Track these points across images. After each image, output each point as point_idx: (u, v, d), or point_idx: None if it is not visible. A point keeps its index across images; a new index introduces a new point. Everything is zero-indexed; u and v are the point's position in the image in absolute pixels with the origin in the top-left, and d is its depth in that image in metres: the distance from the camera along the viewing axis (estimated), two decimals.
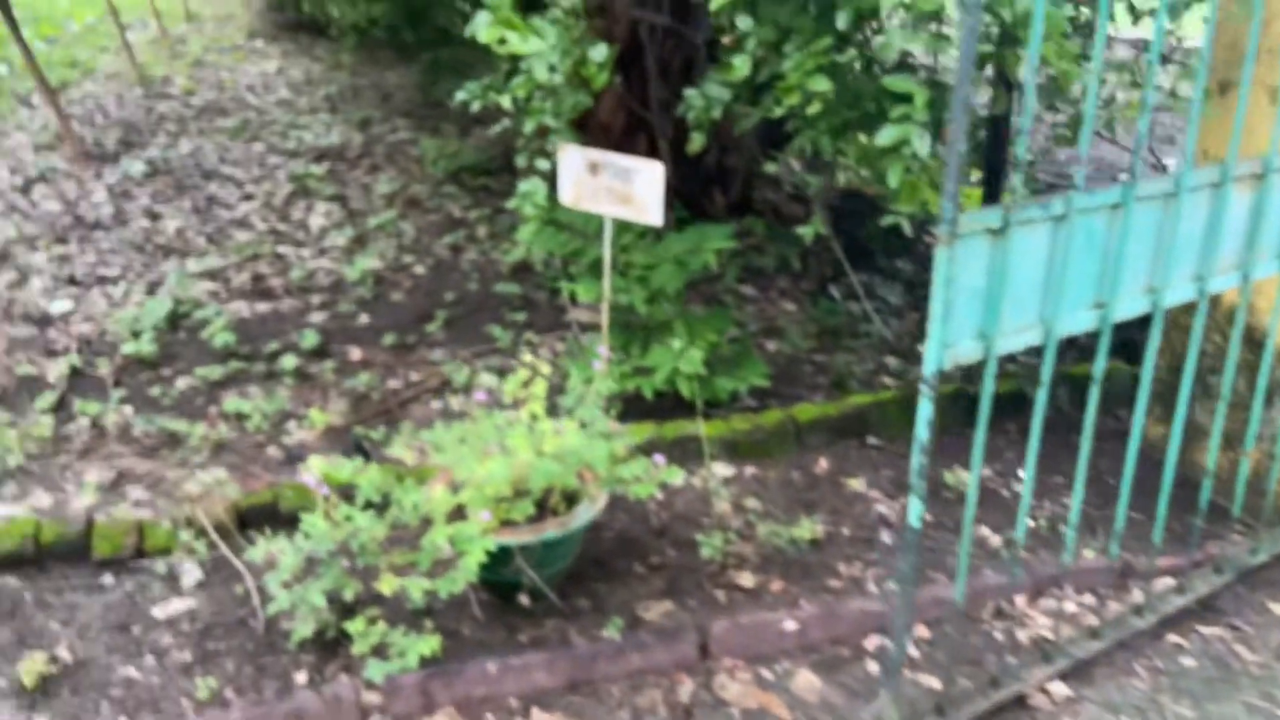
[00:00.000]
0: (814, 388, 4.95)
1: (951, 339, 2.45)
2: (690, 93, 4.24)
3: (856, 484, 4.09)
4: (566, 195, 3.97)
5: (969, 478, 2.79)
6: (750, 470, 4.15)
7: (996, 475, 4.22)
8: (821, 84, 3.44)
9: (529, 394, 3.47)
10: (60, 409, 4.62)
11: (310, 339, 5.30)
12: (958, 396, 4.58)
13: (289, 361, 5.09)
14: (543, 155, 4.41)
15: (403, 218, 6.94)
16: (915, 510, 2.60)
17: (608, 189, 3.81)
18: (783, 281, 6.37)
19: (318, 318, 5.63)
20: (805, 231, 3.94)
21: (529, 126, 4.57)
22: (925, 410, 2.49)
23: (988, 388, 2.65)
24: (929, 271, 2.38)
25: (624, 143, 7.08)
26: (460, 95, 5.09)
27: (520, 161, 5.18)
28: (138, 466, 4.21)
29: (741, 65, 3.57)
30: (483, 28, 3.36)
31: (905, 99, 3.12)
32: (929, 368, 2.44)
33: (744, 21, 3.61)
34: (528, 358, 5.31)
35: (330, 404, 4.87)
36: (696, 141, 4.23)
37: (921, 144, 3.09)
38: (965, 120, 2.22)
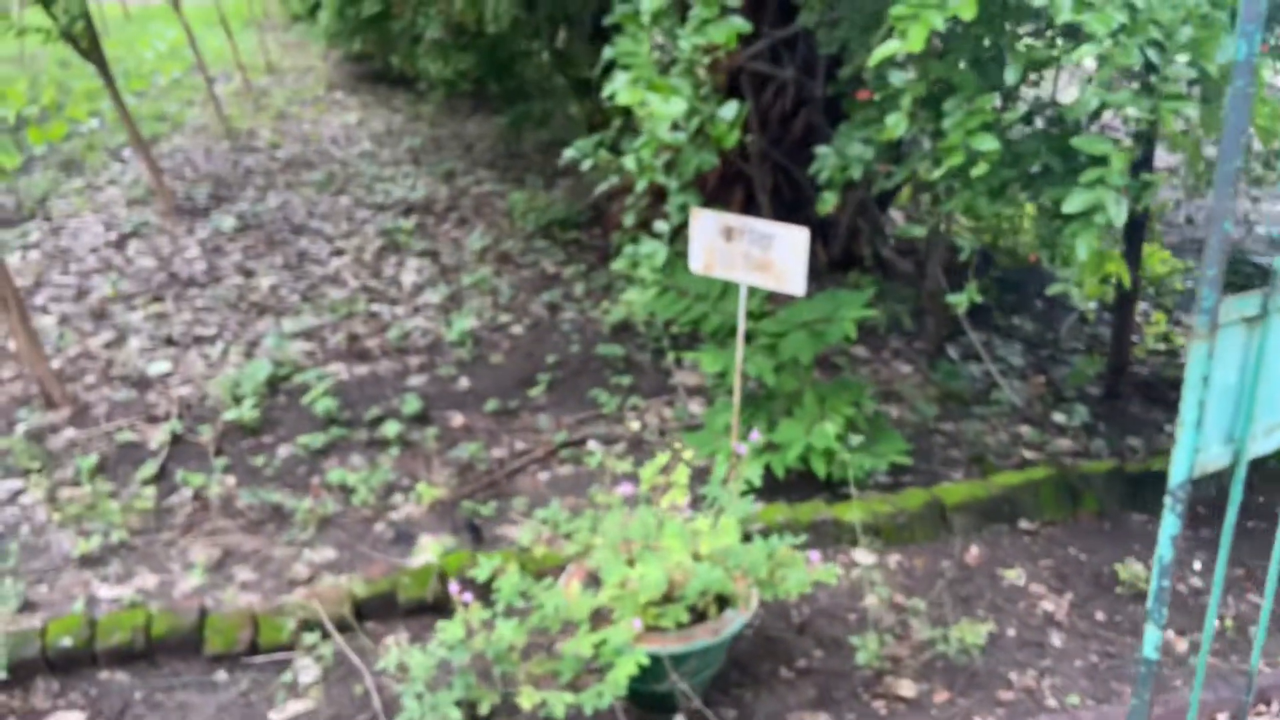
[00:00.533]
0: (949, 462, 4.61)
1: (1202, 443, 2.14)
2: (823, 150, 3.98)
3: (1014, 575, 3.74)
4: (697, 262, 3.73)
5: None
6: (895, 558, 3.82)
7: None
8: (988, 142, 3.16)
9: (669, 480, 3.20)
10: (162, 478, 4.45)
11: (411, 405, 5.10)
12: (1113, 476, 4.21)
13: (391, 428, 4.88)
14: (660, 216, 4.18)
15: (496, 274, 6.77)
16: (1152, 640, 2.27)
17: (744, 255, 3.56)
18: (896, 341, 6.05)
19: (417, 381, 5.44)
20: (958, 300, 3.64)
21: (641, 184, 4.36)
22: (1170, 526, 2.17)
23: (1235, 497, 2.32)
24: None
25: (720, 194, 6.86)
26: (569, 153, 4.90)
27: (628, 220, 4.97)
28: (244, 544, 4.01)
29: (896, 124, 3.30)
30: (623, 89, 3.14)
31: (1100, 161, 2.83)
32: (1177, 477, 2.13)
33: (897, 76, 3.35)
34: (634, 425, 5.06)
35: (434, 474, 4.65)
36: (828, 202, 3.97)
37: (1118, 211, 2.79)
38: (1232, 193, 1.92)
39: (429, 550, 3.87)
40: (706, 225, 3.64)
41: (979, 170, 3.17)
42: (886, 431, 4.18)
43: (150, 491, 4.30)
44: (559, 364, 5.58)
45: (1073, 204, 2.81)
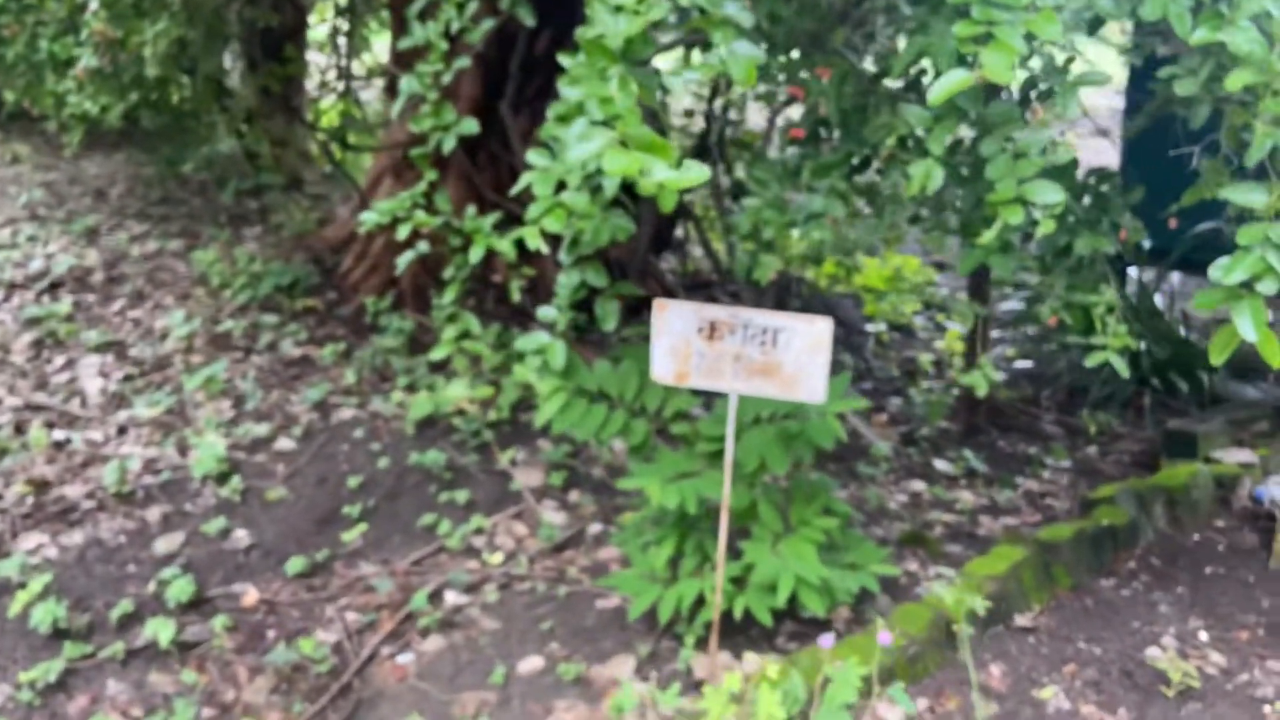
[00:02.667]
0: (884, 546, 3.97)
1: None
2: (754, 204, 3.15)
3: (1050, 695, 3.14)
4: (665, 369, 2.75)
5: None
6: (923, 702, 3.09)
7: (1177, 649, 3.42)
8: (1050, 193, 2.49)
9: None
10: None
11: (179, 585, 3.62)
12: (1078, 541, 3.77)
13: (158, 629, 3.41)
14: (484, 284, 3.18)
15: (224, 368, 5.22)
16: None
17: (735, 357, 2.65)
18: None
19: (170, 545, 3.92)
20: (973, 380, 2.97)
21: (477, 252, 3.35)
22: None
23: None
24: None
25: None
26: (368, 217, 3.73)
27: (449, 296, 3.89)
28: None
29: (927, 175, 2.54)
30: (609, 154, 2.10)
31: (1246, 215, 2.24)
32: None
33: (915, 114, 2.59)
34: (494, 557, 3.94)
35: (247, 692, 3.27)
36: (768, 267, 3.15)
37: None
38: None
39: None
40: (678, 321, 2.67)
41: (1046, 227, 2.48)
42: (851, 534, 3.43)
43: None
44: (366, 487, 4.28)
45: (1235, 273, 2.20)
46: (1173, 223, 3.16)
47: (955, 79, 2.17)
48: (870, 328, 6.79)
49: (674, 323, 2.69)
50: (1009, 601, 3.46)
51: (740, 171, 6.31)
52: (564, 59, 2.97)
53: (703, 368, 2.71)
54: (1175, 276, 6.31)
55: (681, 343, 2.71)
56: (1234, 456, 4.47)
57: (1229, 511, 4.30)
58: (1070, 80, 2.40)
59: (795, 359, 2.63)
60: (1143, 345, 5.46)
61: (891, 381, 6.00)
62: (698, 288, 6.62)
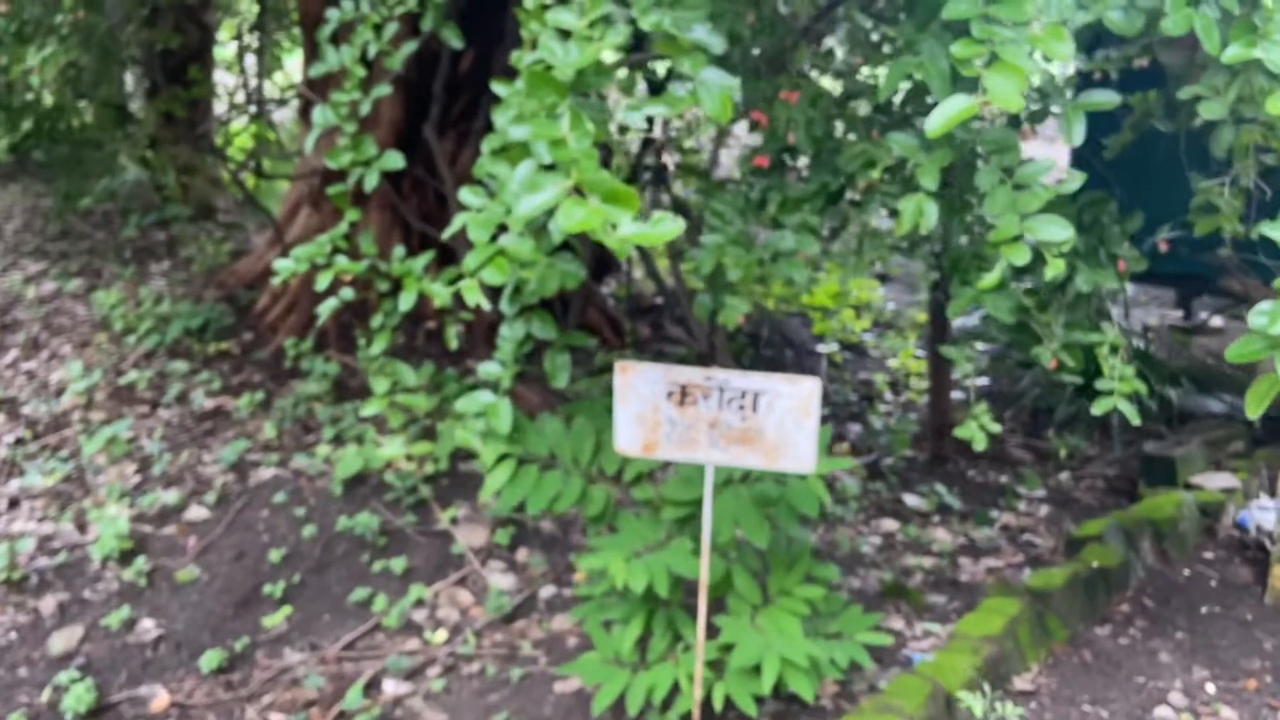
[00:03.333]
0: (863, 600, 3.67)
1: None
2: (714, 241, 2.82)
3: None
4: (630, 440, 2.41)
5: None
6: None
7: (1187, 707, 3.17)
8: (1056, 230, 2.20)
9: None
10: None
11: (78, 692, 3.17)
12: (1071, 587, 3.50)
13: None
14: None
15: (129, 426, 4.74)
16: None
17: (711, 424, 2.31)
18: None
19: (67, 640, 3.47)
20: (969, 433, 2.67)
21: (408, 299, 3.00)
22: None
23: None
24: None
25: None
26: (283, 266, 3.33)
27: (379, 344, 3.52)
28: None
29: (917, 211, 2.24)
30: (567, 208, 1.75)
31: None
32: None
33: (899, 140, 2.29)
34: (436, 635, 3.55)
35: None
36: (737, 309, 2.83)
37: None
38: None
39: None
40: (645, 385, 2.33)
41: (1055, 268, 2.20)
42: (833, 597, 3.12)
43: None
44: (290, 560, 3.86)
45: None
46: (1164, 245, 2.92)
47: (957, 107, 1.87)
48: (822, 348, 6.53)
49: (640, 387, 2.36)
50: (1006, 663, 3.18)
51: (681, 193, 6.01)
52: (499, 88, 2.63)
53: (674, 437, 2.38)
54: (1130, 288, 6.16)
55: (649, 409, 2.37)
56: (1215, 482, 4.27)
57: (1214, 540, 4.09)
58: (1075, 104, 2.12)
59: (779, 424, 2.31)
60: None
61: (849, 406, 5.74)
62: (642, 313, 6.29)
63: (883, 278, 8.17)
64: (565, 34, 1.85)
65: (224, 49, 9.59)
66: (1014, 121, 2.41)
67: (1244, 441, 4.75)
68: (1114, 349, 2.57)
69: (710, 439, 2.37)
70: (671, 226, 1.74)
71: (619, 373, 2.41)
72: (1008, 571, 3.92)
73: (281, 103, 8.86)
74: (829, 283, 7.41)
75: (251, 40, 8.89)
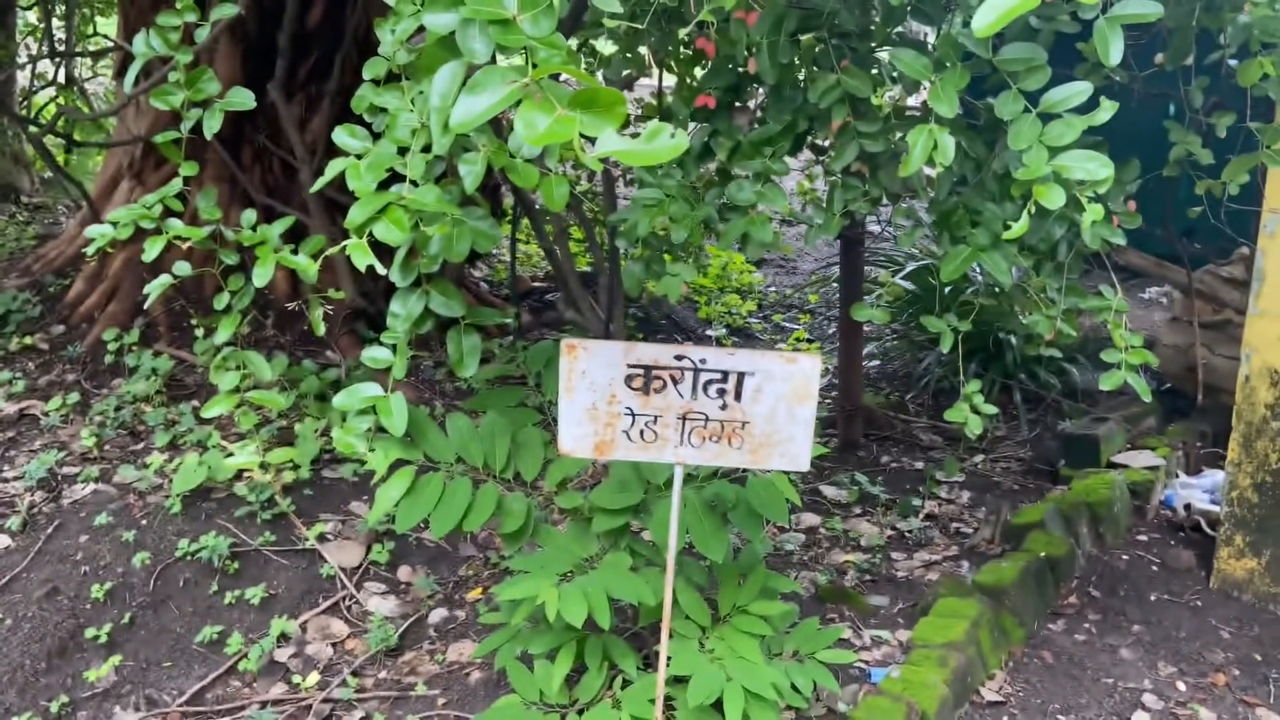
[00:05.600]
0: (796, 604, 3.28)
1: None
2: (648, 195, 2.35)
3: None
4: (579, 439, 1.90)
5: None
6: None
7: (1163, 710, 2.91)
8: (1100, 167, 1.83)
9: None
10: None
11: None
12: (1023, 581, 3.20)
13: None
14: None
15: None
16: None
17: (682, 416, 1.83)
18: None
19: None
20: (959, 416, 2.29)
21: (265, 272, 2.48)
22: None
23: None
24: None
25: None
26: (99, 231, 2.72)
27: (225, 332, 2.93)
28: None
29: (927, 148, 1.82)
30: (526, 112, 1.25)
31: None
32: None
33: (907, 57, 1.87)
34: (306, 679, 2.96)
35: None
36: (676, 282, 2.38)
37: None
38: None
39: None
40: (599, 368, 1.82)
41: (1094, 214, 1.82)
42: (787, 612, 2.70)
43: None
44: (117, 594, 3.17)
45: None
46: (1132, 205, 2.63)
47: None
48: (710, 333, 6.15)
49: (593, 371, 1.86)
50: (973, 672, 2.84)
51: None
52: None
53: (635, 433, 1.89)
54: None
55: (604, 399, 1.88)
56: (1140, 460, 4.09)
57: (1145, 522, 3.91)
58: (1111, 16, 1.76)
59: (769, 414, 1.86)
60: (1012, 339, 5.10)
61: None
62: (522, 297, 5.75)
63: (756, 262, 7.88)
64: None
65: (28, 15, 8.47)
66: (1030, 35, 2.03)
67: (1155, 417, 4.62)
68: (1120, 314, 2.25)
69: (680, 435, 1.90)
70: (671, 142, 1.26)
71: (566, 354, 1.90)
72: (945, 565, 3.61)
73: (95, 57, 7.81)
74: (712, 264, 7.06)
75: (58, 3, 7.83)
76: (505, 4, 1.32)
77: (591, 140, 1.28)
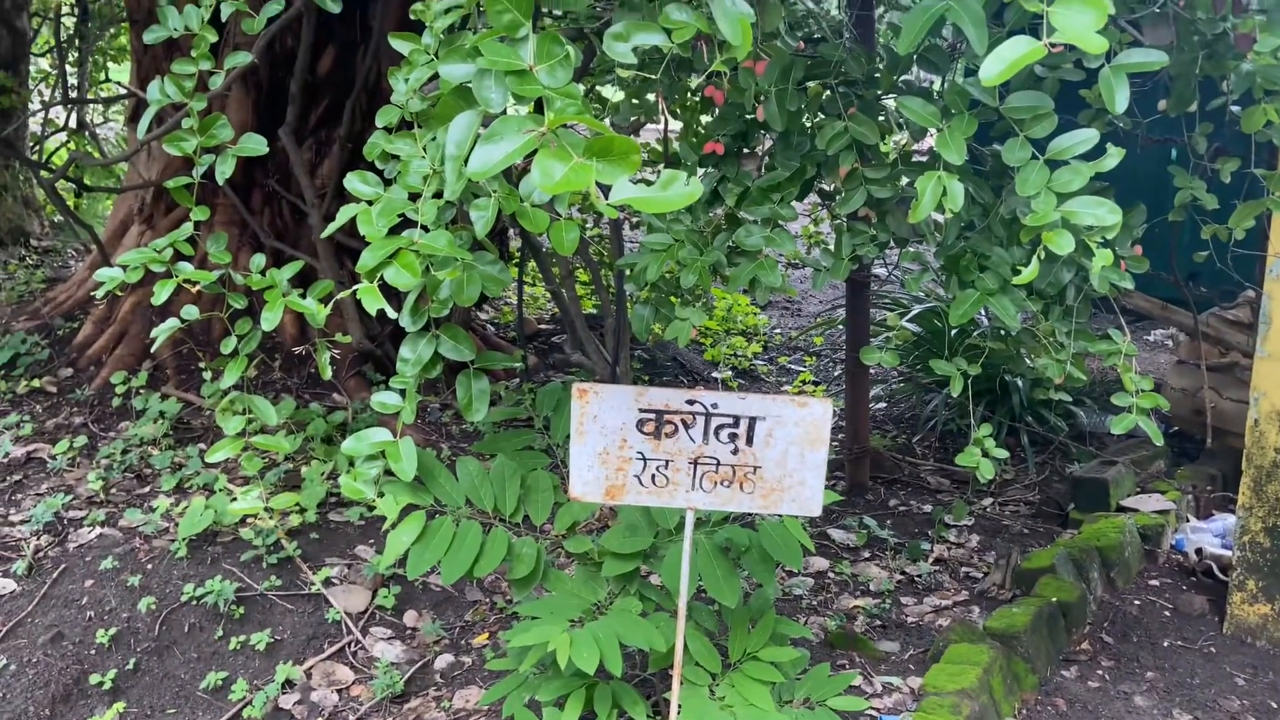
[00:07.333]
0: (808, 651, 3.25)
1: None
2: (656, 241, 2.37)
3: None
4: (590, 484, 1.90)
5: None
6: None
7: None
8: (1105, 212, 1.84)
9: None
10: None
11: None
12: (1035, 627, 3.17)
13: None
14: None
15: None
16: None
17: (694, 460, 1.83)
18: None
19: None
20: (971, 460, 2.29)
21: (274, 315, 2.50)
22: None
23: None
24: None
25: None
26: (109, 274, 2.72)
27: (231, 375, 2.94)
28: None
29: (936, 194, 1.84)
30: (544, 161, 1.26)
31: None
32: None
33: (915, 106, 1.89)
34: None
35: None
36: (687, 325, 2.39)
37: None
38: None
39: None
40: (610, 412, 1.83)
41: (1103, 259, 1.83)
42: (798, 657, 2.67)
43: None
44: (122, 640, 3.15)
45: None
46: (1138, 250, 2.64)
47: (1020, 49, 1.48)
48: (716, 374, 6.15)
49: (604, 416, 1.86)
50: (985, 719, 2.80)
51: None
52: (400, 43, 2.12)
53: (646, 478, 1.89)
54: None
55: (615, 444, 1.88)
56: (1149, 505, 4.07)
57: (1156, 566, 3.88)
58: (1116, 65, 1.78)
59: (780, 458, 1.86)
60: (1019, 381, 5.10)
61: None
62: (528, 339, 5.77)
63: (762, 304, 7.91)
64: None
65: (41, 61, 8.60)
66: (1035, 83, 2.05)
67: (1163, 460, 4.61)
68: (1129, 359, 2.25)
69: (692, 480, 1.90)
70: (685, 189, 1.27)
71: (577, 398, 1.90)
72: (955, 610, 3.58)
73: (107, 104, 7.91)
74: (718, 306, 7.08)
75: (72, 50, 7.95)
76: (521, 55, 1.34)
77: (606, 187, 1.29)
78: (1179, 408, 4.91)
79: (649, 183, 1.33)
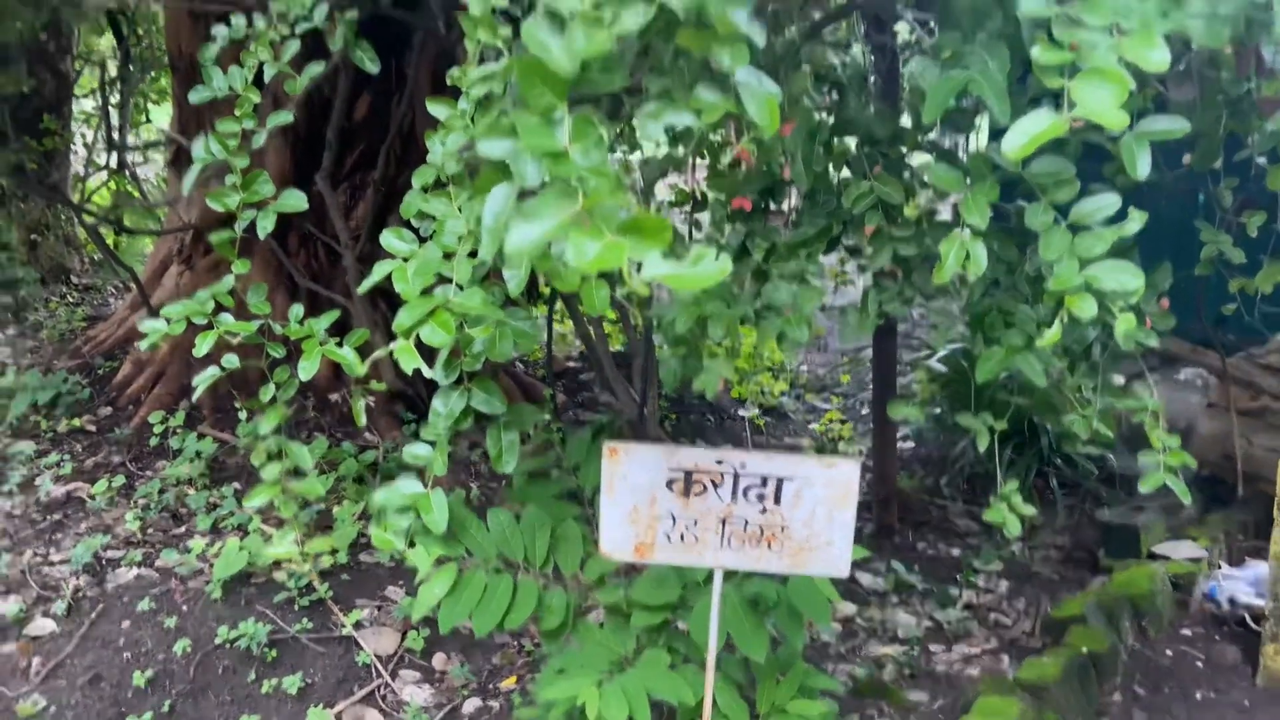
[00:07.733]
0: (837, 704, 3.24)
1: None
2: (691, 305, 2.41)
3: None
4: (620, 541, 1.94)
5: None
6: None
7: None
8: (1128, 277, 1.87)
9: None
10: None
11: None
12: (1067, 680, 3.16)
13: None
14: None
15: None
16: None
17: (723, 519, 1.87)
18: None
19: None
20: (998, 516, 2.30)
21: (311, 365, 2.54)
22: None
23: None
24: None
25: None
26: (153, 327, 2.77)
27: (270, 423, 3.00)
28: None
29: (961, 256, 1.88)
30: (575, 240, 1.31)
31: None
32: None
33: (942, 172, 1.93)
34: None
35: None
36: (713, 376, 2.42)
37: None
38: None
39: None
40: (640, 471, 1.87)
41: (1126, 324, 1.86)
42: (828, 712, 2.67)
43: None
44: (159, 682, 3.20)
45: None
46: (1164, 303, 2.65)
47: (1042, 124, 1.52)
48: (743, 412, 6.17)
49: (634, 474, 1.90)
50: None
51: None
52: (438, 108, 2.18)
53: (675, 536, 1.93)
54: None
55: (645, 502, 1.92)
56: (1181, 551, 4.04)
57: (1187, 614, 3.84)
58: (1139, 132, 1.82)
59: (808, 519, 1.89)
60: (1048, 424, 5.08)
61: None
62: (556, 377, 5.82)
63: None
64: (559, 19, 1.42)
65: (84, 102, 8.83)
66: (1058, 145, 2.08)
67: (1194, 506, 4.56)
68: (1155, 415, 2.26)
69: (720, 539, 1.93)
70: (715, 266, 1.31)
71: (607, 457, 1.95)
72: (984, 658, 3.56)
73: (147, 148, 8.10)
74: (745, 345, 7.11)
75: (113, 92, 8.16)
76: (557, 136, 1.39)
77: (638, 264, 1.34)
78: (1209, 452, 4.86)
79: (679, 254, 1.37)
